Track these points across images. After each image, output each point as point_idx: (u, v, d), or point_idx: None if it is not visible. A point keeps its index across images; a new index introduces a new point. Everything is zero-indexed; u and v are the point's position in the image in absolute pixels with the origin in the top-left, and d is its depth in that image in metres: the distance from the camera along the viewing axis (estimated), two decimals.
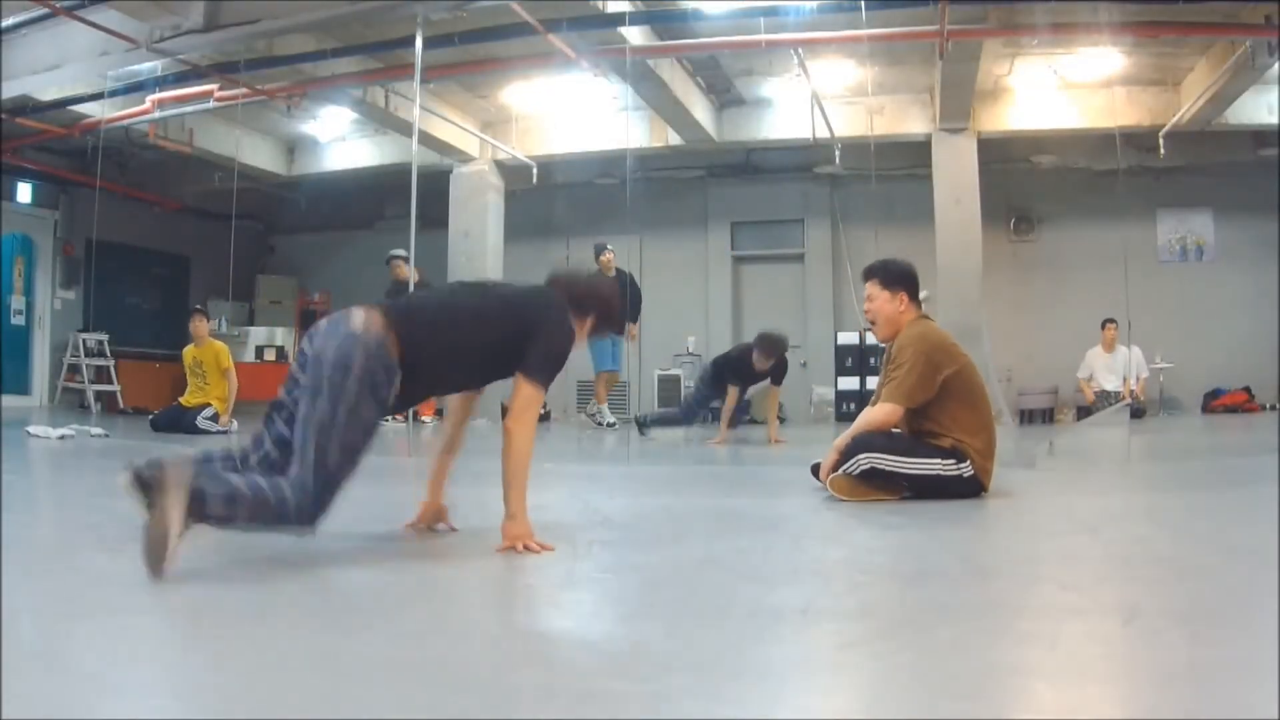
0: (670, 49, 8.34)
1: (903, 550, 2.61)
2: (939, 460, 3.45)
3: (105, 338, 11.34)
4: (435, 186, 10.56)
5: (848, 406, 10.08)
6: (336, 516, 2.31)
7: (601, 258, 8.73)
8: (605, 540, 2.71)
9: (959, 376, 3.55)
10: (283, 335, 12.14)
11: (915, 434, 3.58)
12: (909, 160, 10.35)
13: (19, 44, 8.22)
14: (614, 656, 1.62)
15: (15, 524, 2.80)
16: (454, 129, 10.37)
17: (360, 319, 2.31)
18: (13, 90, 8.45)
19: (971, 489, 3.47)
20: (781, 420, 10.36)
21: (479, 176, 11.15)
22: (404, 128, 9.46)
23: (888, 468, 3.43)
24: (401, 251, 9.01)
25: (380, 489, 4.21)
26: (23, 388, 11.19)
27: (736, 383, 7.09)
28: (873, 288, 3.73)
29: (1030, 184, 11.19)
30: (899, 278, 3.72)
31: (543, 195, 11.52)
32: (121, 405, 10.93)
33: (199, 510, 2.04)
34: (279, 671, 1.47)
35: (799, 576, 2.25)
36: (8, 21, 7.98)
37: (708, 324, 11.76)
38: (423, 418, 8.45)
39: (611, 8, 7.38)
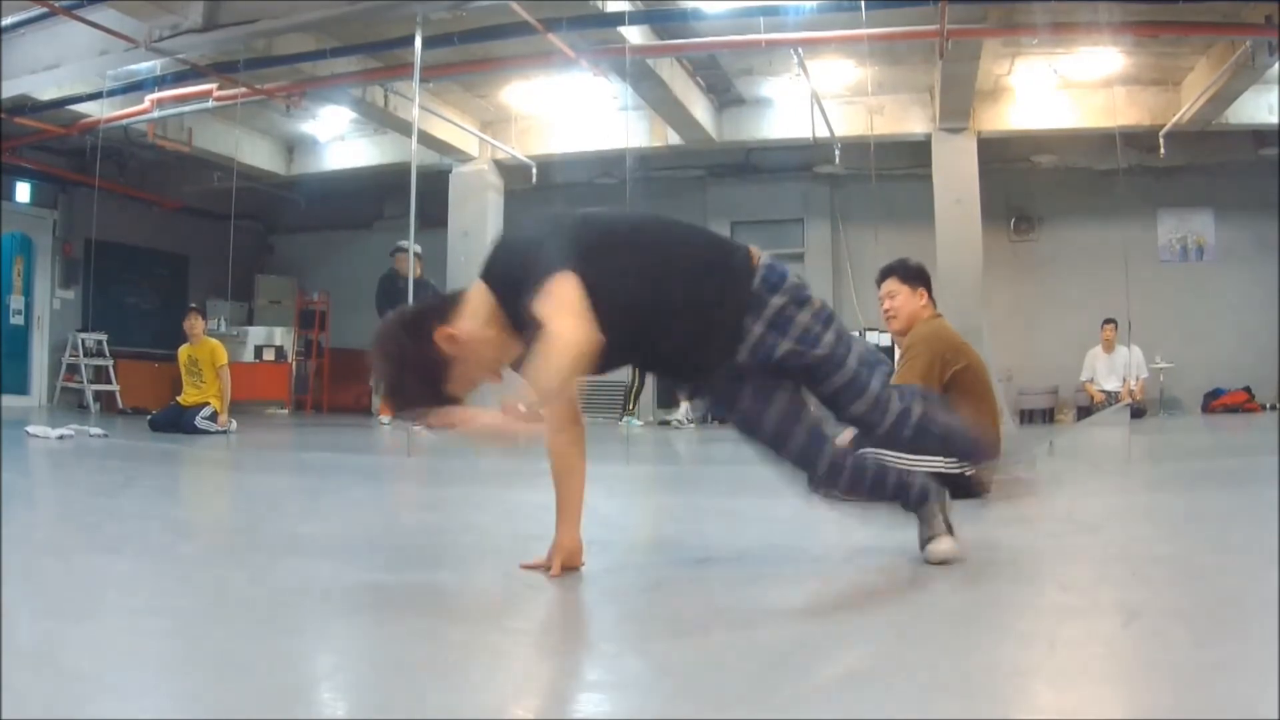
0: (670, 48, 8.34)
1: (903, 550, 2.61)
2: (941, 458, 3.45)
3: (104, 337, 11.33)
4: (435, 186, 10.56)
5: None
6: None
7: None
8: (604, 540, 2.70)
9: (967, 373, 3.57)
10: (282, 335, 12.13)
11: None
12: (909, 160, 10.35)
13: (18, 43, 8.22)
14: (613, 656, 1.62)
15: (15, 524, 2.79)
16: (453, 129, 10.37)
17: None
18: (12, 89, 8.45)
19: (973, 488, 3.46)
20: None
21: (478, 176, 11.15)
22: (403, 127, 9.46)
23: (889, 463, 3.44)
24: (406, 244, 8.96)
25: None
26: (22, 388, 11.19)
27: None
28: (894, 284, 3.77)
29: (1030, 184, 11.19)
30: (918, 274, 3.79)
31: (542, 195, 11.51)
32: (120, 405, 10.92)
33: None
34: (277, 670, 1.47)
35: (799, 576, 2.25)
36: (7, 21, 7.97)
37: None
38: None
39: (611, 7, 7.38)
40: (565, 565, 2.10)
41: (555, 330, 1.73)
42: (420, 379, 1.87)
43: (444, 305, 1.94)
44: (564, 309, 1.76)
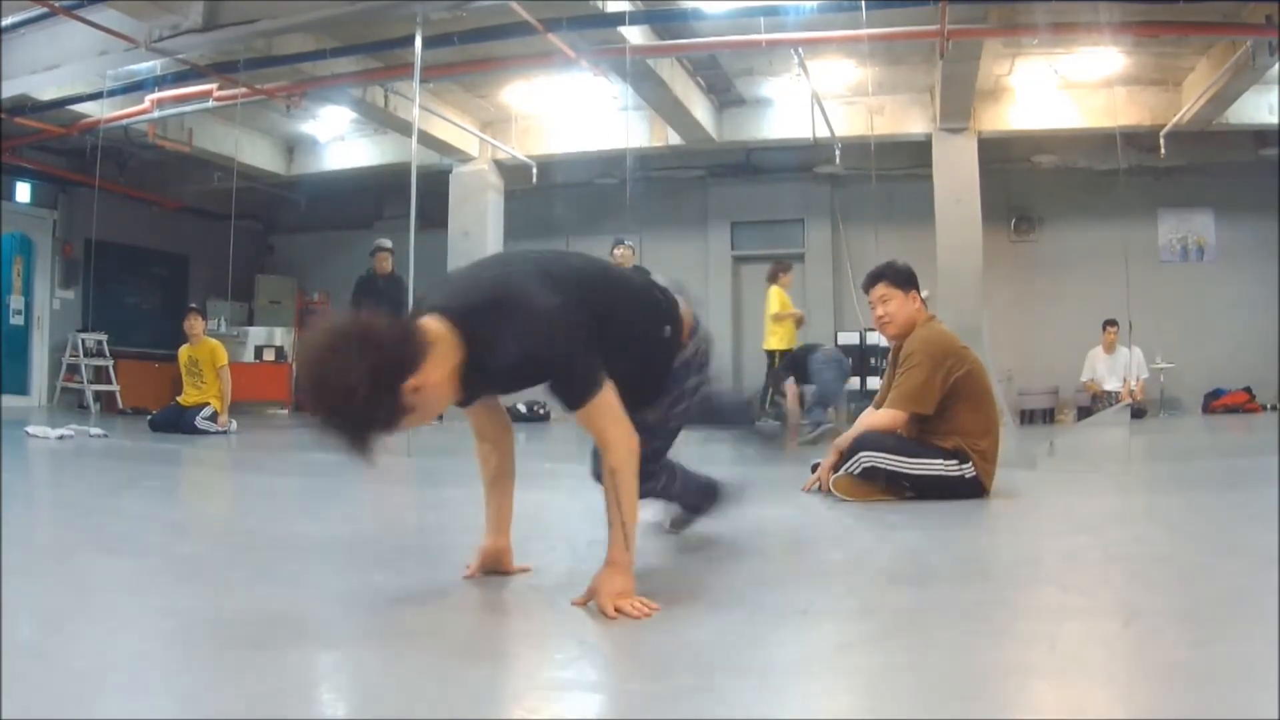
0: (670, 49, 8.34)
1: (903, 551, 2.61)
2: (940, 460, 3.44)
3: (104, 338, 11.34)
4: (435, 186, 10.56)
5: (848, 406, 10.07)
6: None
7: (615, 251, 8.29)
8: (604, 540, 2.70)
9: (968, 378, 3.53)
10: (282, 335, 12.13)
11: (919, 434, 3.57)
12: (909, 160, 10.35)
13: (18, 43, 8.23)
14: (614, 657, 1.62)
15: (15, 524, 2.79)
16: (454, 129, 10.38)
17: None
18: (12, 90, 8.46)
19: (973, 490, 3.46)
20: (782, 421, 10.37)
21: (479, 176, 11.16)
22: (403, 127, 9.47)
23: (888, 467, 3.42)
24: (387, 242, 8.88)
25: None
26: (22, 388, 11.19)
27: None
28: (887, 289, 3.67)
29: (1031, 184, 11.20)
30: (909, 277, 3.71)
31: (542, 195, 11.53)
32: (120, 405, 10.93)
33: None
34: (273, 675, 1.47)
35: (800, 577, 2.25)
36: (8, 21, 7.98)
37: (708, 324, 11.77)
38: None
39: (611, 7, 7.38)
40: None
41: (617, 442, 1.87)
42: (373, 431, 1.71)
43: (414, 352, 1.72)
44: (617, 420, 1.88)
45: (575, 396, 1.85)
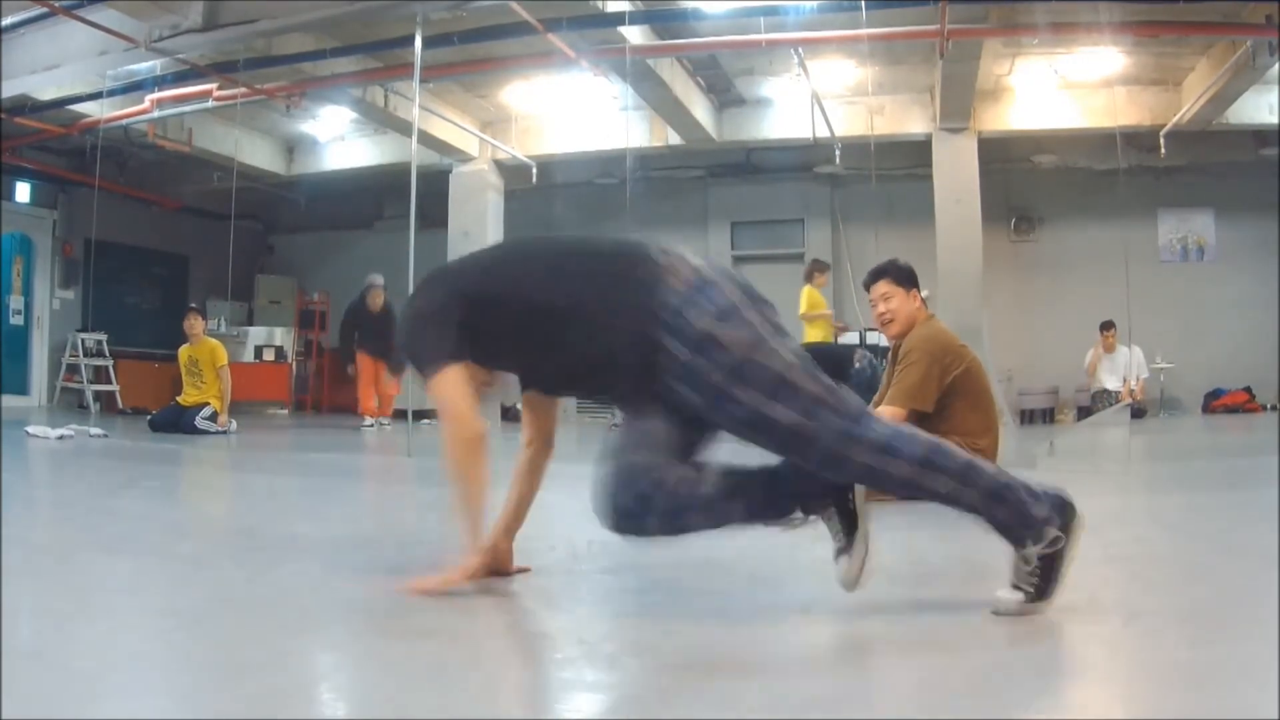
0: (670, 49, 8.34)
1: (903, 551, 2.61)
2: None
3: (104, 338, 11.33)
4: (435, 186, 10.56)
5: None
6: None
7: None
8: (604, 540, 2.70)
9: (965, 376, 3.54)
10: (281, 335, 12.13)
11: None
12: (909, 160, 10.35)
13: (18, 43, 8.22)
14: (613, 657, 1.62)
15: (15, 524, 2.79)
16: (454, 129, 10.38)
17: None
18: (12, 89, 8.45)
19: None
20: None
21: (479, 176, 11.16)
22: (403, 127, 9.47)
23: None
24: (379, 279, 9.02)
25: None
26: (21, 388, 11.19)
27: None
28: (888, 287, 3.69)
29: (1031, 184, 11.20)
30: (910, 276, 3.73)
31: (542, 195, 11.52)
32: (120, 405, 10.92)
33: None
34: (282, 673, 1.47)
35: (800, 577, 2.25)
36: (7, 21, 7.97)
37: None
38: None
39: (611, 7, 7.38)
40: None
41: (445, 426, 1.94)
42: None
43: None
44: (449, 406, 1.93)
45: (418, 370, 1.96)
